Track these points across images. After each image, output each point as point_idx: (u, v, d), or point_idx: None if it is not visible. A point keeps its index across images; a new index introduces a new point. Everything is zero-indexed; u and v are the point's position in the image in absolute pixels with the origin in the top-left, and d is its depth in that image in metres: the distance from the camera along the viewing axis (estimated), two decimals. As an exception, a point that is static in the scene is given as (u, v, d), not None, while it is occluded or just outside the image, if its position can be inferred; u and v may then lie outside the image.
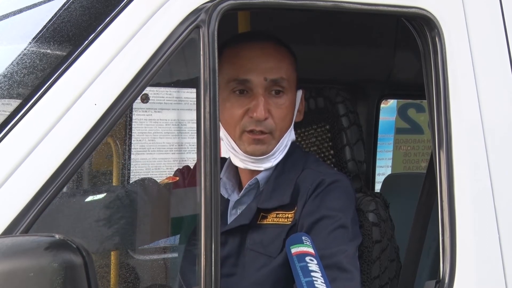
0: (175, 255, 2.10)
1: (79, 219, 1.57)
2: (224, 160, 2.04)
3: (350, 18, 2.41)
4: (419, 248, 2.06)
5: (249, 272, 1.87)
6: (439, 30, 1.72)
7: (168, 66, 1.49)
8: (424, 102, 3.34)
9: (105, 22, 1.45)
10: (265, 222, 1.88)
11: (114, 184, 2.02)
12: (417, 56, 1.79)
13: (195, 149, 1.50)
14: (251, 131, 1.87)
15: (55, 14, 1.62)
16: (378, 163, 3.48)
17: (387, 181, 3.41)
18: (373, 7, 1.68)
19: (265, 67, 1.89)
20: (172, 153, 4.70)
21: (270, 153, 1.89)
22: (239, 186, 2.02)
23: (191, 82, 1.51)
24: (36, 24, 1.69)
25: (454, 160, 1.71)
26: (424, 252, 2.09)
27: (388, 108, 5.36)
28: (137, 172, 4.13)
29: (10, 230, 1.31)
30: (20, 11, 1.94)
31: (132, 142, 3.46)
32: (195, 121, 1.53)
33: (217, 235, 1.46)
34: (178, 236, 2.01)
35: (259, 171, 1.93)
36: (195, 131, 1.50)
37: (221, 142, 1.88)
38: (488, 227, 1.74)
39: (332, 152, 2.17)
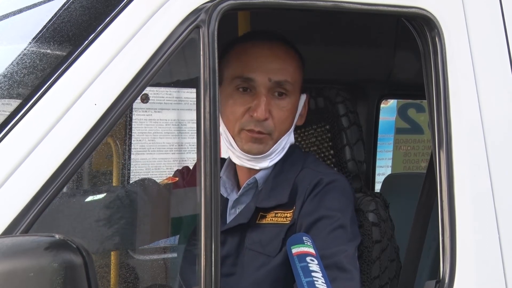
0: (175, 255, 2.10)
1: (79, 219, 1.57)
2: (224, 160, 2.04)
3: (350, 18, 2.41)
4: (419, 248, 2.06)
5: (248, 271, 1.87)
6: (439, 30, 1.72)
7: (168, 66, 1.49)
8: (424, 102, 3.34)
9: (105, 22, 1.45)
10: (264, 222, 1.88)
11: (114, 184, 2.02)
12: (417, 56, 1.79)
13: (195, 149, 1.50)
14: (250, 130, 1.87)
15: (55, 14, 1.61)
16: (378, 163, 3.48)
17: (387, 181, 3.41)
18: (373, 7, 1.68)
19: (271, 67, 1.89)
20: (172, 153, 4.70)
21: (266, 153, 1.89)
22: (238, 185, 2.02)
23: (191, 82, 1.51)
24: (36, 24, 1.69)
25: (454, 160, 1.71)
26: (424, 252, 2.09)
27: (388, 108, 5.35)
28: (137, 172, 4.13)
29: (10, 230, 1.31)
30: (20, 11, 1.94)
31: (132, 142, 3.45)
32: (195, 121, 1.53)
33: (217, 235, 1.46)
34: (178, 236, 2.01)
35: (257, 171, 1.93)
36: (195, 131, 1.50)
37: (221, 138, 1.87)
38: (488, 227, 1.74)
39: (332, 152, 2.17)
